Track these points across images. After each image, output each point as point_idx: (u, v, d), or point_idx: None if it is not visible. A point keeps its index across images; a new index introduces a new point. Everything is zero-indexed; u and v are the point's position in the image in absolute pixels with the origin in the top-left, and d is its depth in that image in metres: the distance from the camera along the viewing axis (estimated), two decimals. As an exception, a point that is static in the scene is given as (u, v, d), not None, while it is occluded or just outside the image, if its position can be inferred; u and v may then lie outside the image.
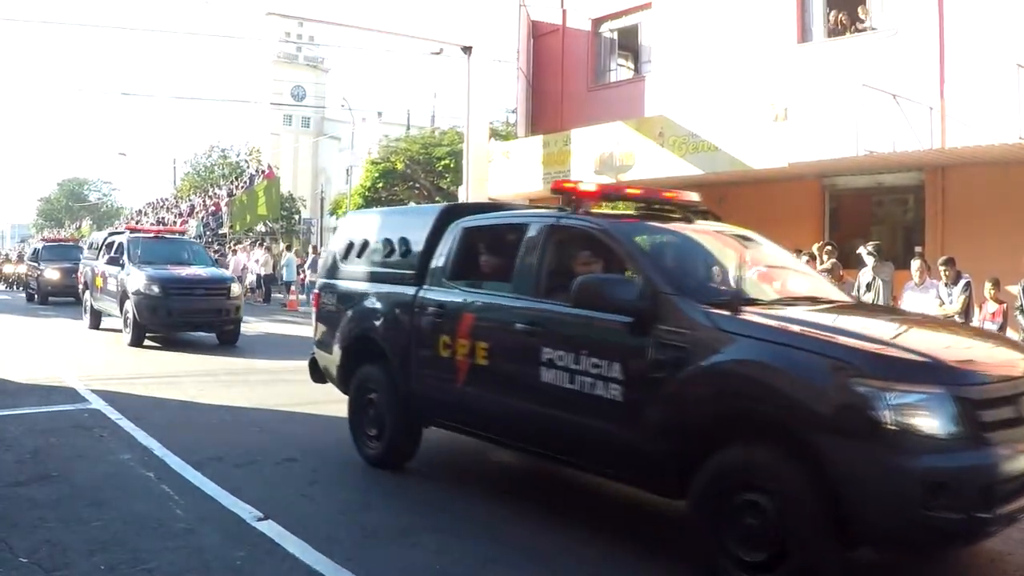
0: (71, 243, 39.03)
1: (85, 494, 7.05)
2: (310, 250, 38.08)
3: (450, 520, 6.70)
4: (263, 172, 47.36)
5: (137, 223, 56.12)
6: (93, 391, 11.87)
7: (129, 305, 17.53)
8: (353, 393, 8.47)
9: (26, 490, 7.13)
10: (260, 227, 47.76)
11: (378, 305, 8.15)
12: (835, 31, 17.39)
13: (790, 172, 16.16)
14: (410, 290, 7.74)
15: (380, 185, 48.97)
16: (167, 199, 62.17)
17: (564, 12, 23.70)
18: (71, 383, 12.68)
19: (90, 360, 15.34)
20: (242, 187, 45.91)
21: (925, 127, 14.74)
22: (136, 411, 10.49)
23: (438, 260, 7.66)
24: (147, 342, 18.08)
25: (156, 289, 17.31)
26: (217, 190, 50.44)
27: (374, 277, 8.41)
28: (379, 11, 22.25)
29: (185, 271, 18.83)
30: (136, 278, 17.61)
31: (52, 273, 30.62)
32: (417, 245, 7.95)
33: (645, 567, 5.87)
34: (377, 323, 8.13)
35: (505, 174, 22.58)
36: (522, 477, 8.44)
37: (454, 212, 7.99)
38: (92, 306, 20.99)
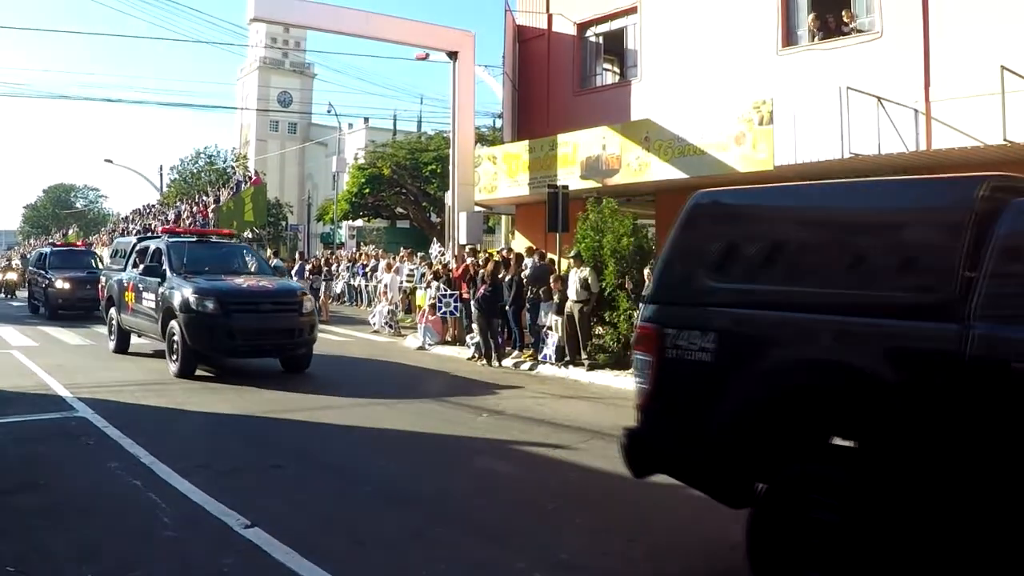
0: (83, 248, 35.42)
1: (72, 502, 7.03)
2: (296, 256, 38.07)
3: (449, 524, 6.71)
4: (250, 178, 47.30)
5: (124, 230, 55.99)
6: (80, 399, 11.81)
7: (176, 326, 14.31)
8: (766, 507, 5.07)
9: (13, 498, 7.10)
10: (247, 233, 47.71)
11: (855, 355, 4.79)
12: (820, 35, 17.44)
13: (776, 175, 16.19)
14: (942, 329, 4.45)
15: (367, 191, 49.17)
16: (154, 206, 61.96)
17: (550, 17, 23.73)
18: (58, 391, 12.62)
19: (77, 368, 15.25)
20: (229, 193, 45.86)
21: (910, 130, 14.79)
22: (123, 419, 10.44)
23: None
24: (130, 347, 17.48)
25: (211, 305, 14.10)
26: (204, 197, 50.38)
27: (819, 304, 4.99)
28: (365, 16, 22.15)
29: (245, 282, 15.62)
30: (184, 292, 14.39)
31: (64, 283, 26.66)
32: (941, 248, 4.69)
33: None
34: (856, 388, 4.77)
35: (492, 179, 22.62)
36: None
37: (1009, 188, 4.71)
38: (119, 326, 17.55)
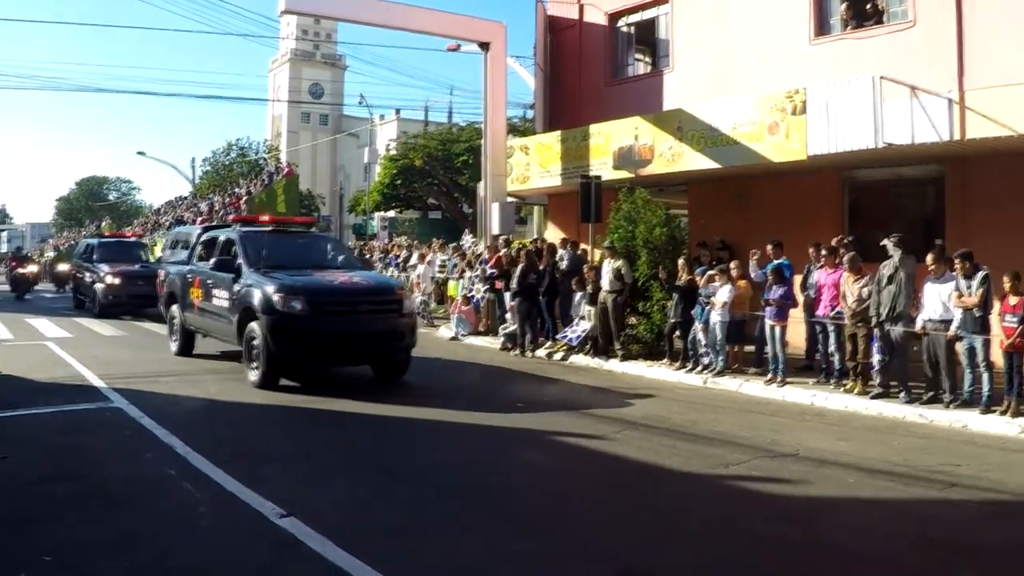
0: (133, 239, 33.32)
1: (108, 492, 7.11)
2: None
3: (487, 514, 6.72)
4: (282, 170, 47.46)
5: (156, 222, 56.31)
6: (115, 390, 11.92)
7: (257, 328, 12.50)
8: None
9: (49, 488, 7.19)
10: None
11: None
12: (852, 23, 17.27)
13: (809, 165, 16.06)
14: None
15: (399, 182, 49.28)
16: (186, 198, 62.31)
17: (581, 7, 23.60)
18: (93, 382, 12.74)
19: (111, 359, 15.41)
20: (261, 185, 46.01)
21: (944, 119, 14.59)
22: (158, 409, 10.53)
23: None
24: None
25: (299, 305, 12.22)
26: (236, 188, 50.58)
27: None
28: (396, 7, 22.10)
29: (336, 277, 13.52)
30: (266, 290, 12.52)
31: (114, 279, 24.68)
32: None
33: None
34: None
35: (524, 169, 22.57)
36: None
37: None
38: (183, 326, 16.00)
